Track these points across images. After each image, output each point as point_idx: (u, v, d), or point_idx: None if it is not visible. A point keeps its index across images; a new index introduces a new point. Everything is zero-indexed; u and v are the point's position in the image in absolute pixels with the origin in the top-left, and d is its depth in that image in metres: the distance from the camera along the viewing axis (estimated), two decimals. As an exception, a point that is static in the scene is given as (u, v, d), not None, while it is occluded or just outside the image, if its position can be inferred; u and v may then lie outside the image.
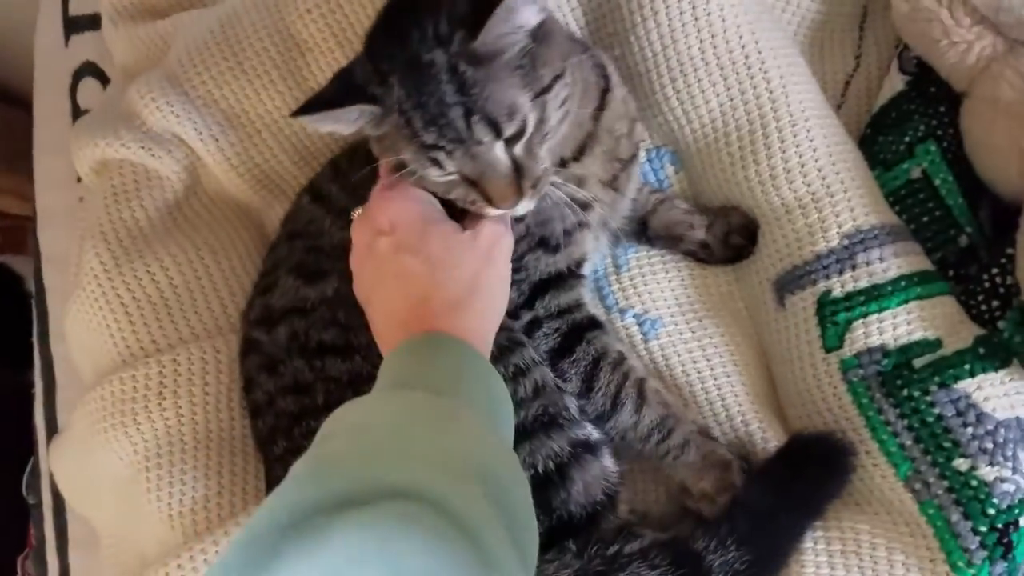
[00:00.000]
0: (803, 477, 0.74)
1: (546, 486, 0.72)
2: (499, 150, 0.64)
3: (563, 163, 0.75)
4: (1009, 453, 0.67)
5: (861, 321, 0.74)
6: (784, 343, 0.81)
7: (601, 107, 0.77)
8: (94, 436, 0.84)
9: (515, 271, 0.76)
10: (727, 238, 0.86)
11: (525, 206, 0.67)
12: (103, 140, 0.90)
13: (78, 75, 1.19)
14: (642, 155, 0.89)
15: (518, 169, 0.65)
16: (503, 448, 0.58)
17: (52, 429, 1.12)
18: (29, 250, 1.24)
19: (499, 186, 0.65)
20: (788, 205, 0.80)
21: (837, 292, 0.76)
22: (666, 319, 0.85)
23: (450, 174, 0.65)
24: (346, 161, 0.88)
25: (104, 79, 1.18)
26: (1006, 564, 0.65)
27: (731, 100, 0.82)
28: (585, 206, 0.77)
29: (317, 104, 0.65)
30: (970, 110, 0.81)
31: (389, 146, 0.67)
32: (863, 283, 0.75)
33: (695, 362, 0.83)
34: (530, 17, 0.62)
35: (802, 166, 0.79)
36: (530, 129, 0.64)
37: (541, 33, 0.63)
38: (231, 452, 0.84)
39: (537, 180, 0.67)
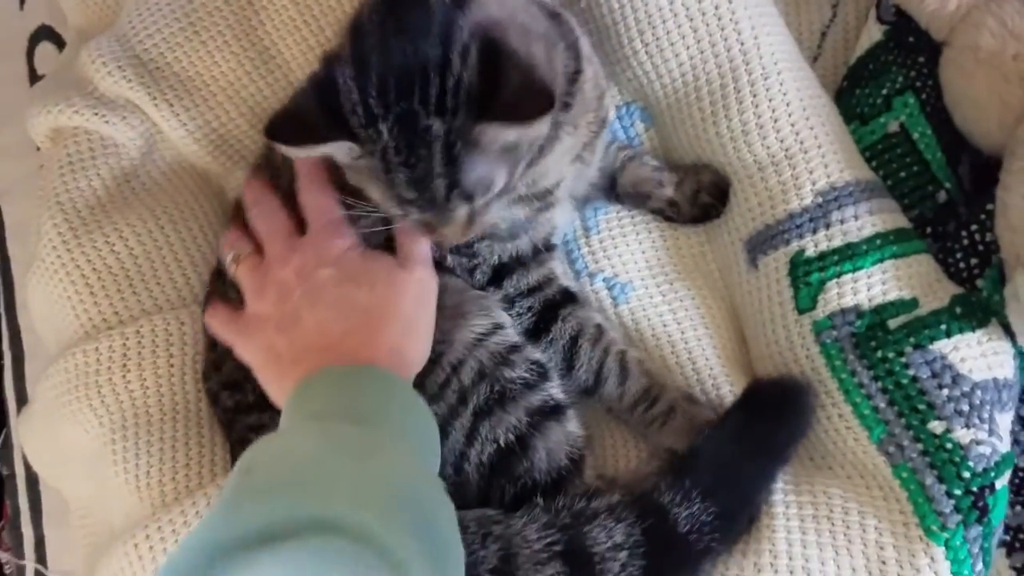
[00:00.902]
0: (762, 422, 0.72)
1: (508, 458, 0.71)
2: (464, 210, 0.65)
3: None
4: (985, 415, 0.66)
5: (835, 281, 0.72)
6: (756, 304, 0.78)
7: (568, 102, 0.73)
8: (59, 409, 0.83)
9: (469, 257, 0.77)
10: (696, 196, 0.84)
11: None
12: (55, 107, 0.87)
13: (34, 39, 1.17)
14: (611, 113, 0.86)
15: (472, 217, 0.66)
16: (427, 476, 0.59)
17: (22, 400, 1.13)
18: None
19: (452, 230, 0.66)
20: (760, 162, 0.78)
21: (810, 252, 0.74)
22: (636, 283, 0.83)
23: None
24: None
25: (61, 43, 1.15)
26: (981, 528, 0.64)
27: (701, 53, 0.79)
28: (549, 191, 0.76)
29: (293, 129, 0.63)
30: (950, 60, 0.78)
31: (354, 177, 0.66)
32: (837, 242, 0.73)
33: (665, 326, 0.82)
34: (543, 129, 0.63)
35: (775, 121, 0.77)
36: (495, 193, 0.65)
37: None
38: (198, 424, 0.82)
39: (486, 221, 0.68)
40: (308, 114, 0.63)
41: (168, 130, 0.88)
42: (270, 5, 0.87)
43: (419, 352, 0.70)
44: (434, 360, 0.72)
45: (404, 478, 0.54)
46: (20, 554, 1.12)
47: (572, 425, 0.75)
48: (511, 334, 0.76)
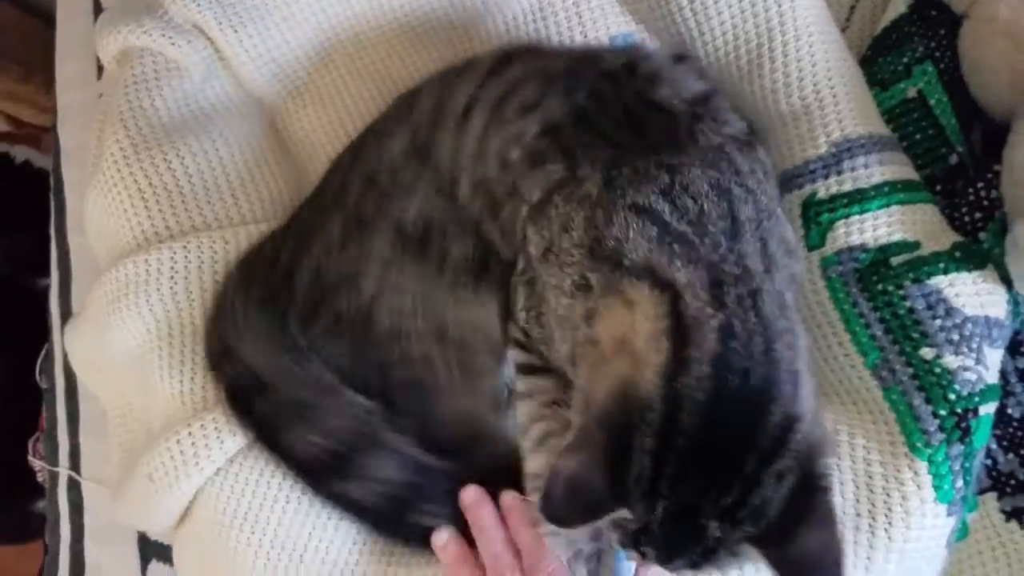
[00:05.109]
0: None
1: None
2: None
3: None
4: (974, 346, 0.69)
5: (843, 221, 0.77)
6: (773, 242, 0.83)
7: None
8: (108, 316, 0.87)
9: None
10: None
11: None
12: (126, 28, 0.92)
13: (100, -26, 1.21)
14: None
15: None
16: None
17: (66, 317, 1.16)
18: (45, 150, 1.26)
19: None
20: (784, 117, 0.83)
21: (822, 194, 0.78)
22: None
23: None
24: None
25: (126, -22, 1.20)
26: (963, 447, 0.68)
27: (742, 13, 0.84)
28: None
29: (574, 505, 0.55)
30: (969, 31, 0.83)
31: None
32: (847, 187, 0.77)
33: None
34: None
35: (800, 80, 0.82)
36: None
37: None
38: None
39: None
40: (593, 486, 0.55)
41: (231, 56, 0.93)
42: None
43: None
44: None
45: None
46: (54, 462, 1.16)
47: None
48: None
